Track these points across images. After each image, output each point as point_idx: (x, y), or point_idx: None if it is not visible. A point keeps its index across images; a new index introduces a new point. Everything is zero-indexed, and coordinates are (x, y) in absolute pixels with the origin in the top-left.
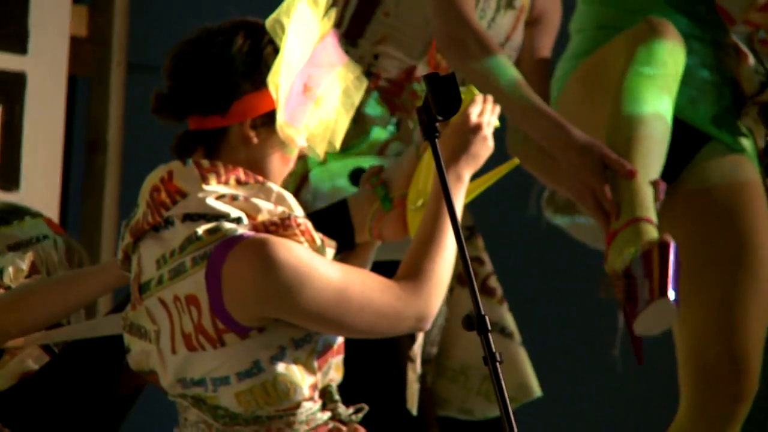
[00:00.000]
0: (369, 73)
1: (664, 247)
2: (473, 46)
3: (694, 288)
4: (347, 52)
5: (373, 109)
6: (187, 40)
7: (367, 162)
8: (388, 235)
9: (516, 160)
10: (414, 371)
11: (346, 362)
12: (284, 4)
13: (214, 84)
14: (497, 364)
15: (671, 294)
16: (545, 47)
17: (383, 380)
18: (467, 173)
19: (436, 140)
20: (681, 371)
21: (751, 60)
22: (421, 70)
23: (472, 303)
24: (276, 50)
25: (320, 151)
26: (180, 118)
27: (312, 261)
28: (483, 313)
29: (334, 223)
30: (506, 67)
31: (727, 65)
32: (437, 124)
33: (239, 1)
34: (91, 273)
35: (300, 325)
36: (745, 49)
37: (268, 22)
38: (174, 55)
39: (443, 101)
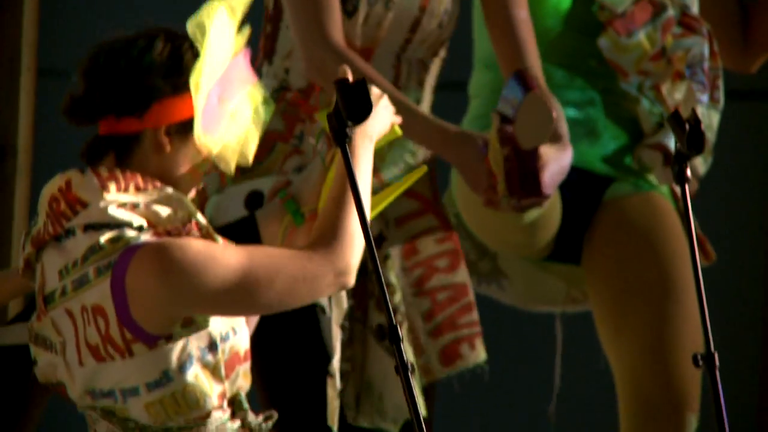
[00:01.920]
0: (282, 88)
1: (520, 71)
2: (333, 65)
3: (622, 320)
4: (265, 70)
5: (277, 124)
6: (105, 42)
7: (264, 183)
8: None
9: (425, 168)
10: (334, 387)
11: (267, 382)
12: (204, 9)
13: (133, 84)
14: (409, 373)
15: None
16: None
17: (303, 398)
18: (374, 133)
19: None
20: (620, 405)
21: (644, 102)
22: None
23: (384, 311)
24: (195, 56)
25: (232, 164)
26: (93, 120)
27: (208, 249)
28: (395, 323)
29: (243, 238)
30: (373, 79)
31: (623, 107)
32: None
33: (154, 6)
34: None
35: (214, 314)
36: (635, 93)
37: (189, 26)
38: (92, 55)
39: (353, 106)
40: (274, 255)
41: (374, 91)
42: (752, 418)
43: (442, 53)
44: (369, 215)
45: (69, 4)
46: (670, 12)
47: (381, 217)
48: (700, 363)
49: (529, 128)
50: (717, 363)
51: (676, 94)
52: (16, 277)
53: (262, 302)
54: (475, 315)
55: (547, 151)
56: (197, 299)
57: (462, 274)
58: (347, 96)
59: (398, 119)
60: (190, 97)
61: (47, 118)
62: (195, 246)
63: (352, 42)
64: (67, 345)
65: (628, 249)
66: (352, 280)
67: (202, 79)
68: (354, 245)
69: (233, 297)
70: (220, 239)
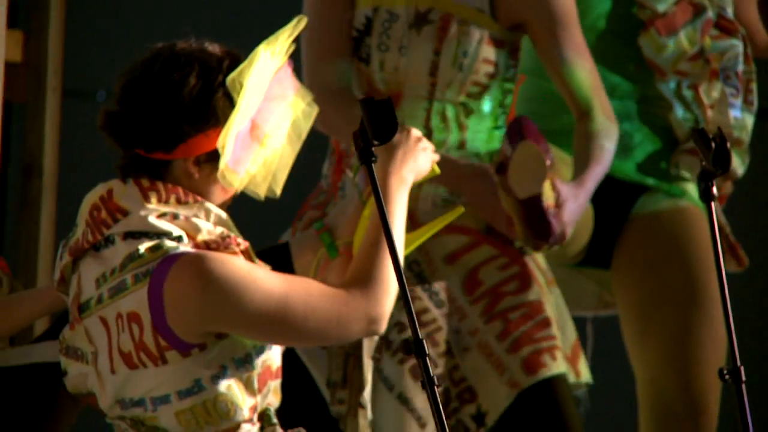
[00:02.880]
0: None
1: (518, 119)
2: (322, 107)
3: (647, 326)
4: None
5: None
6: (141, 63)
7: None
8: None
9: (461, 208)
10: (365, 417)
11: (297, 408)
12: (248, 59)
13: (160, 127)
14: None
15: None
16: (558, 44)
17: (335, 428)
18: (411, 176)
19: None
20: (640, 411)
21: (678, 109)
22: None
23: (410, 328)
24: (226, 94)
25: (261, 192)
26: (126, 149)
27: (251, 271)
28: (421, 337)
29: (275, 266)
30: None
31: (658, 115)
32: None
33: (179, 28)
34: (26, 297)
35: (245, 336)
36: (669, 98)
37: (229, 79)
38: (125, 83)
39: (379, 125)
40: (313, 291)
41: (414, 132)
42: None
43: (494, 94)
44: (402, 254)
45: (94, 25)
46: (710, 13)
47: (420, 259)
48: (726, 377)
49: (523, 177)
50: (743, 377)
51: (713, 93)
52: (43, 296)
53: (294, 336)
54: (552, 330)
55: (563, 188)
56: (231, 317)
57: (535, 293)
58: (373, 114)
59: (437, 157)
60: (218, 132)
61: (73, 139)
62: (237, 263)
63: (377, 87)
64: (99, 354)
65: (656, 255)
66: (383, 327)
67: (233, 126)
68: (389, 292)
69: (266, 324)
70: (258, 262)
